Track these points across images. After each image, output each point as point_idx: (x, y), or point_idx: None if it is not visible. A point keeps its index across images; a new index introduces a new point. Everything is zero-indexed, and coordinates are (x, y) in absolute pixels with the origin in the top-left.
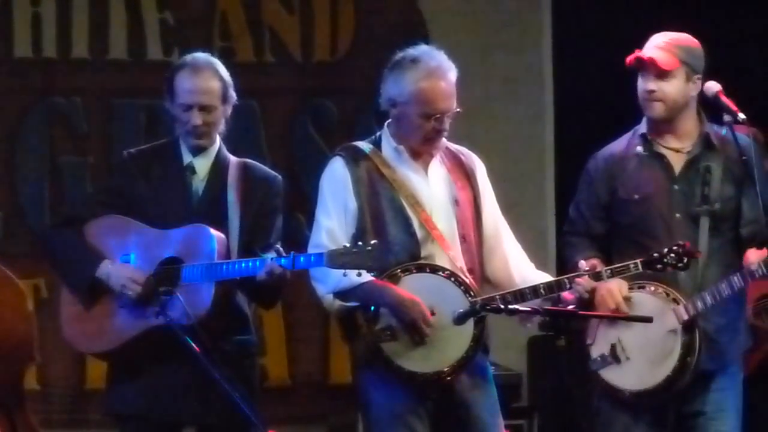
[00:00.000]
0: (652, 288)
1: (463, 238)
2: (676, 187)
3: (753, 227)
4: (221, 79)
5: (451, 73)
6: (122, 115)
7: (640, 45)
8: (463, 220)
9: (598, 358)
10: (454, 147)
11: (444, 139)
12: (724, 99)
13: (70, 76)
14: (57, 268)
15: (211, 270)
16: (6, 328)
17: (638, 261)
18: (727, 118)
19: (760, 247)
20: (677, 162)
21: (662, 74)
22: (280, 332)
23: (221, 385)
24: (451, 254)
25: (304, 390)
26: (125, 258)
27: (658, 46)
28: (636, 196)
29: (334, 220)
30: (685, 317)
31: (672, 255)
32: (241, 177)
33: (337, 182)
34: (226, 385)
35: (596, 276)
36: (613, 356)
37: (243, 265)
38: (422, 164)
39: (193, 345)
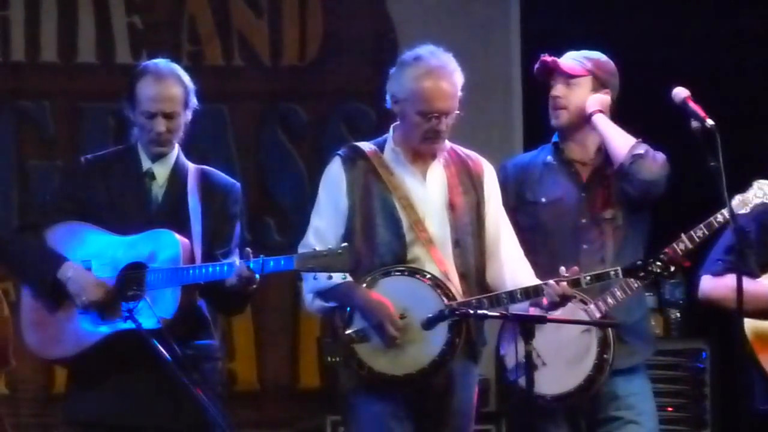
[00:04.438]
0: None
1: (457, 243)
2: (583, 194)
3: None
4: (184, 85)
5: (455, 76)
6: (91, 118)
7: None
8: (459, 226)
9: (514, 368)
10: (463, 151)
11: (447, 142)
12: (692, 105)
13: (38, 79)
14: (18, 272)
15: (177, 275)
16: None
17: (618, 268)
18: (694, 124)
19: None
20: (584, 169)
21: (568, 82)
22: (249, 337)
23: (188, 389)
24: (438, 258)
25: (272, 394)
26: (86, 264)
27: (568, 56)
28: (543, 200)
29: (324, 220)
30: (598, 314)
31: (658, 263)
32: (201, 183)
33: (332, 182)
34: (193, 389)
35: (575, 282)
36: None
37: (210, 270)
38: (421, 167)
39: (160, 350)
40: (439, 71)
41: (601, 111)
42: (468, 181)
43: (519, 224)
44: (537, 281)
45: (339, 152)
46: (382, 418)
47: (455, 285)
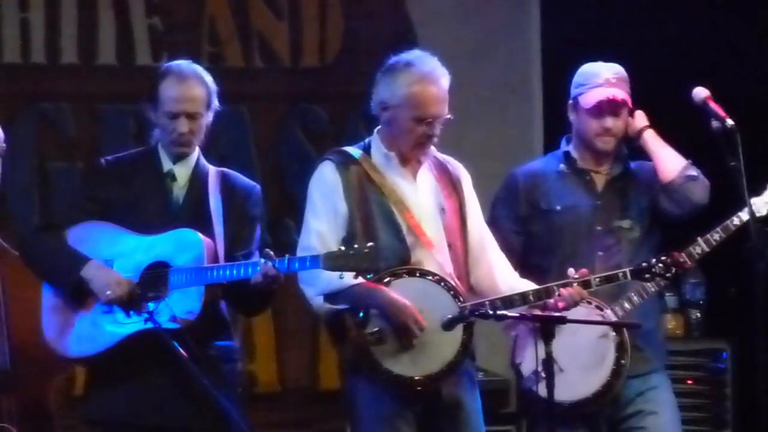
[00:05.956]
0: None
1: (450, 246)
2: (598, 201)
3: None
4: (206, 86)
5: (444, 79)
6: (111, 120)
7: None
8: (450, 229)
9: (532, 375)
10: (441, 156)
11: (432, 147)
12: (713, 105)
13: (58, 81)
14: (40, 272)
15: (200, 275)
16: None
17: (627, 270)
18: (715, 123)
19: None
20: (599, 178)
21: (616, 111)
22: (270, 338)
23: (209, 390)
24: (440, 260)
25: (293, 396)
26: (108, 263)
27: (613, 83)
28: (558, 207)
29: (324, 223)
30: (615, 319)
31: (660, 265)
32: (221, 185)
33: (327, 186)
34: (213, 390)
35: (585, 284)
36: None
37: (234, 271)
38: (411, 171)
39: (181, 350)
40: (431, 76)
41: (648, 126)
42: (450, 184)
43: (532, 232)
44: (528, 283)
45: (329, 157)
46: (390, 418)
47: (459, 286)
